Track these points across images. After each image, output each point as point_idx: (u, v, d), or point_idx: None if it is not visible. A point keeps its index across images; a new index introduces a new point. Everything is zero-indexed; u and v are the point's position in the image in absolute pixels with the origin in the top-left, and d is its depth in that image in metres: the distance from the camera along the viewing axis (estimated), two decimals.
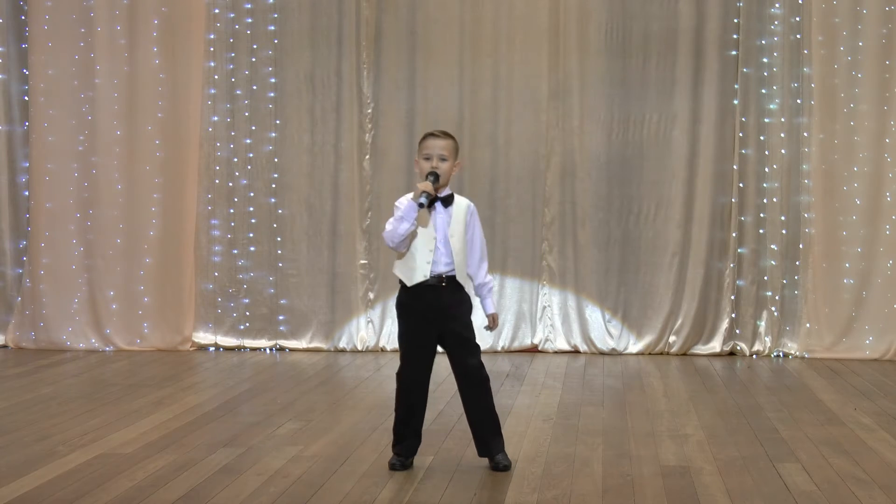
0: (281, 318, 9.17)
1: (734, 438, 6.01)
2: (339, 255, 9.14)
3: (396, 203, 5.21)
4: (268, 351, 9.13)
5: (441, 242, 5.22)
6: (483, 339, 8.77)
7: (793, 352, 8.91)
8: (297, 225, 9.17)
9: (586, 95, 8.98)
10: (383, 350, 9.09)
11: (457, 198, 5.33)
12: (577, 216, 9.03)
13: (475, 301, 5.37)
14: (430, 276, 5.21)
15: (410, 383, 5.30)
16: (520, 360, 8.71)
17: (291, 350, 9.13)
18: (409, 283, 5.22)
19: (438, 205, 5.25)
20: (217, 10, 9.11)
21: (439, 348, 5.33)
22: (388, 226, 5.18)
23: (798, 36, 8.84)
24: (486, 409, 5.31)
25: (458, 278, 5.26)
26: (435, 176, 5.17)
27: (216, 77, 9.13)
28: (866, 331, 8.81)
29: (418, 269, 5.21)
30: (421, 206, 5.11)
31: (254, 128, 9.15)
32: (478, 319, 5.34)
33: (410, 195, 5.19)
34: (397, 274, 5.29)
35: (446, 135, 5.29)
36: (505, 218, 9.08)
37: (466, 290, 5.31)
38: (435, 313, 5.22)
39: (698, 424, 6.35)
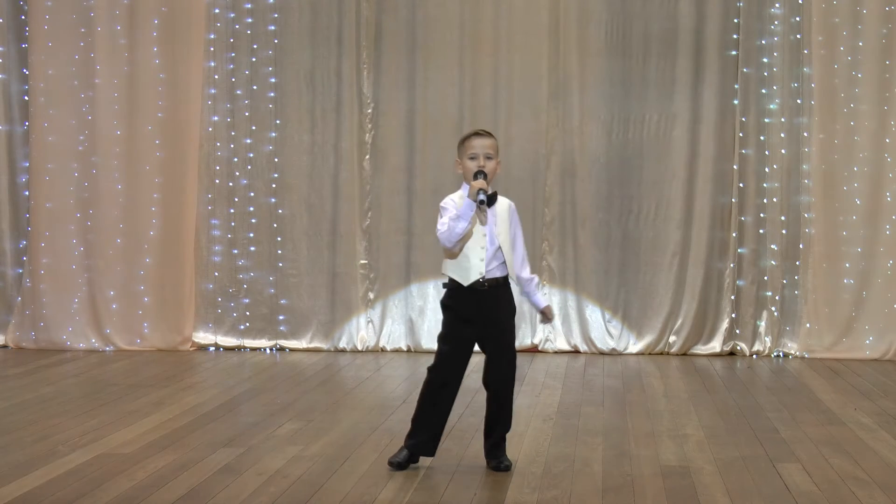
0: (281, 318, 9.17)
1: (734, 438, 6.01)
2: (339, 255, 9.14)
3: (442, 204, 5.20)
4: (268, 351, 9.13)
5: (489, 242, 5.21)
6: None
7: (793, 352, 8.91)
8: (297, 225, 9.17)
9: (586, 95, 8.98)
10: (383, 350, 9.09)
11: (499, 197, 5.31)
12: (577, 216, 9.03)
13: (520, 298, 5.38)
14: (484, 276, 5.18)
15: (442, 382, 5.27)
16: (520, 360, 8.60)
17: (291, 350, 9.13)
18: (465, 283, 5.19)
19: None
20: (217, 10, 9.11)
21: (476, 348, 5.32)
22: (442, 227, 5.13)
23: (798, 36, 8.84)
24: (507, 412, 5.35)
25: (510, 277, 5.26)
26: (483, 174, 5.15)
27: (216, 77, 9.13)
28: (866, 331, 8.81)
29: (473, 269, 5.19)
30: (481, 202, 5.09)
31: (254, 128, 9.16)
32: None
33: (456, 195, 5.19)
34: (450, 274, 5.24)
35: (489, 134, 5.28)
36: None
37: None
38: (481, 315, 5.21)
39: (698, 424, 6.35)
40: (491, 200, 5.22)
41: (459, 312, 5.23)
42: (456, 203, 5.16)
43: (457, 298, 5.24)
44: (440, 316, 5.37)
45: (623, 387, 7.61)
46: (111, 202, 9.05)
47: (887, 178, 8.78)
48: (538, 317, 5.48)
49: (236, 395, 7.21)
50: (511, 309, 5.32)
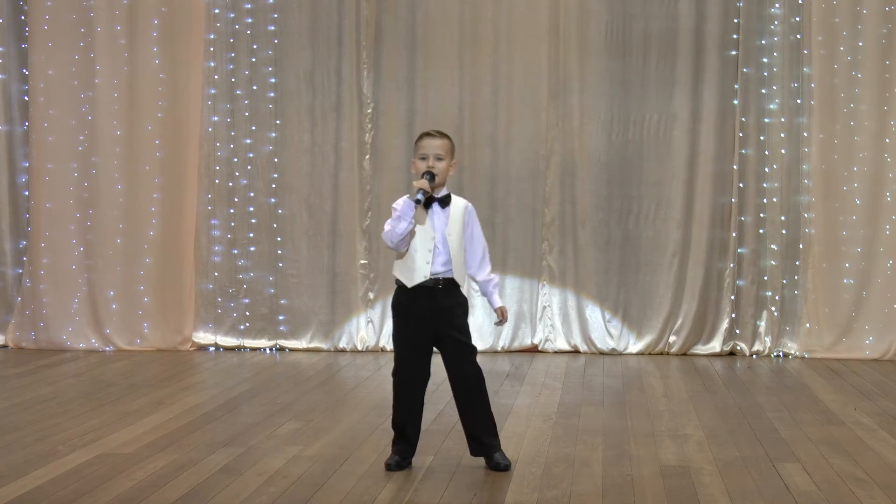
0: (281, 318, 9.17)
1: (734, 438, 6.01)
2: (339, 255, 9.14)
3: (393, 204, 5.22)
4: (268, 351, 9.13)
5: (439, 242, 5.22)
6: (483, 340, 8.86)
7: (793, 352, 8.91)
8: (297, 225, 9.17)
9: (586, 95, 8.98)
10: (383, 350, 9.09)
11: (454, 198, 5.32)
12: (577, 216, 9.03)
13: (477, 301, 5.38)
14: (429, 277, 5.20)
15: (405, 383, 5.29)
16: (520, 360, 8.71)
17: (291, 350, 9.13)
18: (409, 284, 5.22)
19: (436, 205, 5.24)
20: (217, 10, 9.11)
21: (435, 349, 5.33)
22: (387, 226, 5.18)
23: (798, 36, 8.84)
24: (481, 409, 5.30)
25: (456, 279, 5.25)
26: (431, 175, 5.16)
27: (216, 77, 9.13)
28: (866, 331, 8.81)
29: (418, 270, 5.21)
30: (417, 202, 5.10)
31: (254, 128, 9.16)
32: (476, 320, 5.34)
33: (407, 196, 5.19)
34: (396, 275, 5.28)
35: (442, 134, 5.29)
36: (505, 218, 9.08)
37: (463, 291, 5.31)
38: (430, 314, 5.22)
39: (698, 424, 6.35)
40: (443, 202, 5.23)
41: (410, 311, 5.24)
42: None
43: (404, 298, 5.25)
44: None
45: (623, 387, 7.61)
46: (111, 202, 9.05)
47: (887, 178, 8.78)
48: (494, 316, 5.45)
49: (236, 395, 7.21)
50: (461, 308, 5.28)
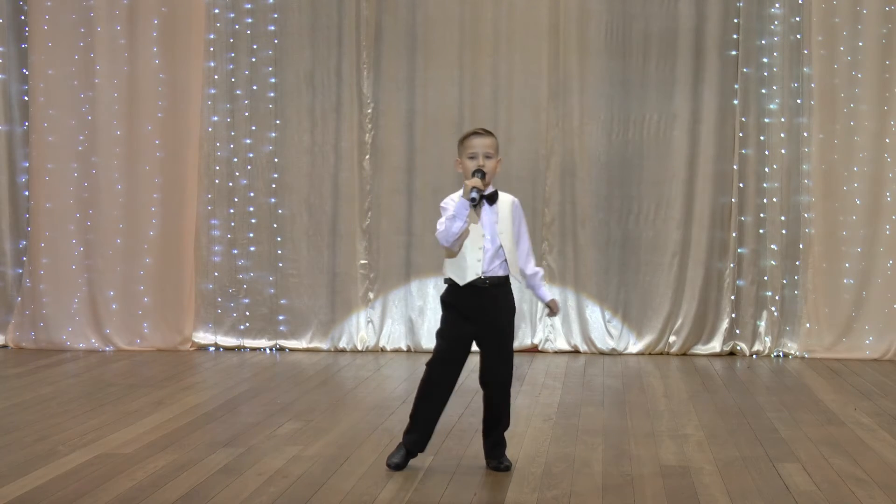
0: (281, 318, 9.17)
1: (734, 438, 6.01)
2: (339, 255, 9.14)
3: (442, 204, 5.20)
4: (268, 351, 9.13)
5: (488, 241, 5.21)
6: None
7: (793, 352, 8.91)
8: (297, 225, 9.17)
9: (586, 95, 8.98)
10: (383, 350, 9.09)
11: (501, 194, 5.31)
12: (577, 216, 9.03)
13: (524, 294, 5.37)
14: (481, 275, 5.19)
15: (439, 378, 5.28)
16: (520, 360, 8.66)
17: (291, 350, 9.13)
18: (461, 283, 5.19)
19: (485, 202, 5.22)
20: (217, 10, 9.11)
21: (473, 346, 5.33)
22: (440, 226, 5.15)
23: (798, 36, 8.84)
24: (506, 410, 5.35)
25: (511, 275, 5.26)
26: (482, 173, 5.15)
27: (216, 77, 9.13)
28: (866, 331, 8.81)
29: (470, 268, 5.19)
30: (473, 201, 5.09)
31: (254, 128, 9.16)
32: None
33: (457, 194, 5.18)
34: (448, 274, 5.25)
35: (489, 132, 5.28)
36: None
37: (515, 282, 5.32)
38: (479, 313, 5.22)
39: (698, 424, 6.35)
40: (491, 199, 5.23)
41: (458, 309, 5.24)
42: (455, 202, 5.17)
43: (455, 296, 5.25)
44: (440, 315, 5.37)
45: (623, 387, 7.61)
46: (111, 202, 9.06)
47: (887, 178, 8.78)
48: (545, 310, 5.48)
49: (236, 395, 7.21)
50: (510, 309, 5.32)
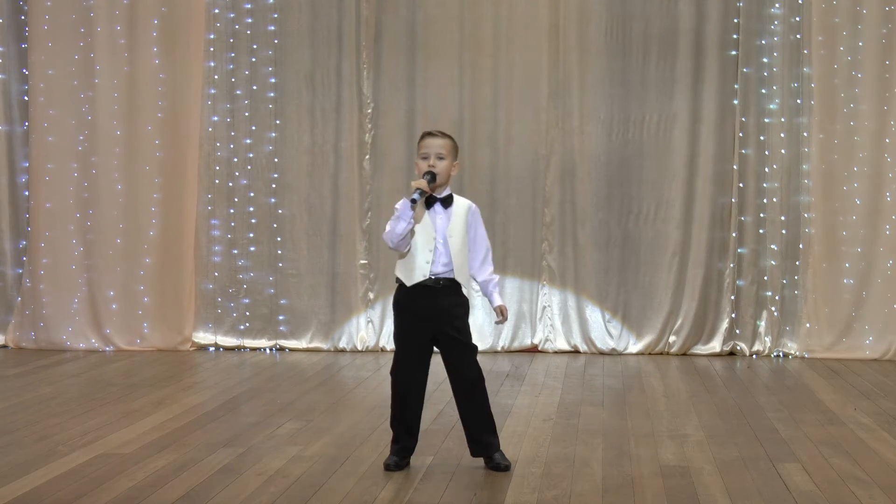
0: (281, 318, 9.17)
1: (734, 438, 6.01)
2: (339, 255, 9.14)
3: (396, 205, 5.21)
4: (268, 351, 9.13)
5: (440, 243, 5.22)
6: (483, 340, 8.86)
7: (793, 352, 8.91)
8: (297, 225, 9.17)
9: (586, 95, 8.98)
10: (383, 350, 9.09)
11: (457, 198, 5.32)
12: (577, 216, 9.03)
13: (477, 301, 5.36)
14: (429, 277, 5.20)
15: (404, 382, 5.28)
16: (520, 360, 8.71)
17: (291, 350, 9.13)
18: (408, 283, 5.21)
19: (438, 205, 5.23)
20: (217, 10, 9.11)
21: (435, 348, 5.33)
22: (388, 226, 5.17)
23: (798, 36, 8.84)
24: (480, 409, 5.29)
25: (457, 279, 5.24)
26: (431, 175, 5.15)
27: (216, 77, 9.13)
28: (866, 331, 8.81)
29: (417, 269, 5.20)
30: (413, 202, 5.08)
31: (254, 128, 9.16)
32: (476, 320, 5.33)
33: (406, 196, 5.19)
34: (397, 274, 5.28)
35: (444, 134, 5.28)
36: (505, 218, 9.08)
37: (465, 291, 5.31)
38: (430, 314, 5.21)
39: (698, 424, 6.35)
40: (445, 202, 5.22)
41: (409, 310, 5.23)
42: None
43: (404, 297, 5.25)
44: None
45: (623, 387, 7.61)
46: (111, 202, 9.05)
47: (887, 178, 8.78)
48: (495, 316, 5.43)
49: (236, 395, 7.21)
50: (461, 308, 5.26)
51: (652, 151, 8.98)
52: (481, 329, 8.88)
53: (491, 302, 5.38)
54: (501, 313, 5.35)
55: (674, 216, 8.97)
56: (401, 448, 5.32)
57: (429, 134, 5.27)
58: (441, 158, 5.20)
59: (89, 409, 6.67)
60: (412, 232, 5.17)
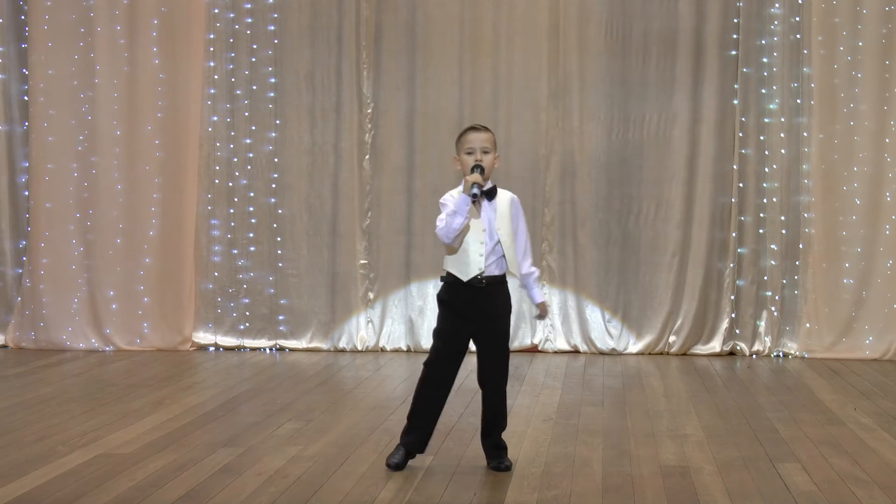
0: (281, 318, 9.17)
1: (734, 438, 6.01)
2: (339, 255, 9.14)
3: (442, 200, 5.19)
4: (268, 351, 9.13)
5: (488, 236, 5.20)
6: None
7: (793, 352, 8.91)
8: (297, 225, 9.17)
9: (586, 95, 8.98)
10: (383, 350, 9.09)
11: (500, 190, 5.31)
12: (577, 216, 9.03)
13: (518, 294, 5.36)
14: (484, 270, 5.17)
15: (436, 377, 5.27)
16: (520, 360, 8.70)
17: (291, 350, 9.13)
18: (464, 279, 5.18)
19: (484, 198, 5.22)
20: (217, 10, 9.11)
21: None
22: (440, 222, 5.13)
23: (798, 36, 8.84)
24: (499, 408, 5.33)
25: (509, 270, 5.25)
26: (480, 169, 5.14)
27: (216, 77, 9.13)
28: (866, 331, 8.81)
29: (472, 264, 5.18)
30: (474, 196, 5.07)
31: (254, 128, 9.16)
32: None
33: (455, 191, 5.18)
34: (450, 270, 5.24)
35: (486, 128, 5.29)
36: None
37: (516, 281, 5.32)
38: (476, 313, 5.21)
39: (698, 424, 6.35)
40: (490, 195, 5.22)
41: (455, 308, 5.24)
42: (454, 198, 5.16)
43: (453, 293, 5.24)
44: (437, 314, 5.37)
45: (623, 387, 7.61)
46: (111, 202, 9.06)
47: (887, 178, 8.78)
48: (534, 310, 5.46)
49: (236, 395, 7.21)
50: (507, 307, 5.32)
51: (652, 151, 8.98)
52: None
53: (532, 297, 5.38)
54: (544, 310, 5.38)
55: (674, 216, 8.97)
56: (411, 440, 5.30)
57: (472, 129, 5.27)
58: (486, 152, 5.20)
59: (89, 409, 6.67)
60: (467, 226, 5.15)
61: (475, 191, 5.07)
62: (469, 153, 5.20)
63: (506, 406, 5.38)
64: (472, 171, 5.13)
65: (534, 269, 5.37)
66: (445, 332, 5.28)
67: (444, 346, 5.27)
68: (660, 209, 8.99)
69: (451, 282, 5.24)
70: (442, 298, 5.29)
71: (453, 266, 5.24)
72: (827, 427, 6.30)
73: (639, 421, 6.45)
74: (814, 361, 8.71)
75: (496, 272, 5.23)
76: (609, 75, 8.97)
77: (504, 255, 5.23)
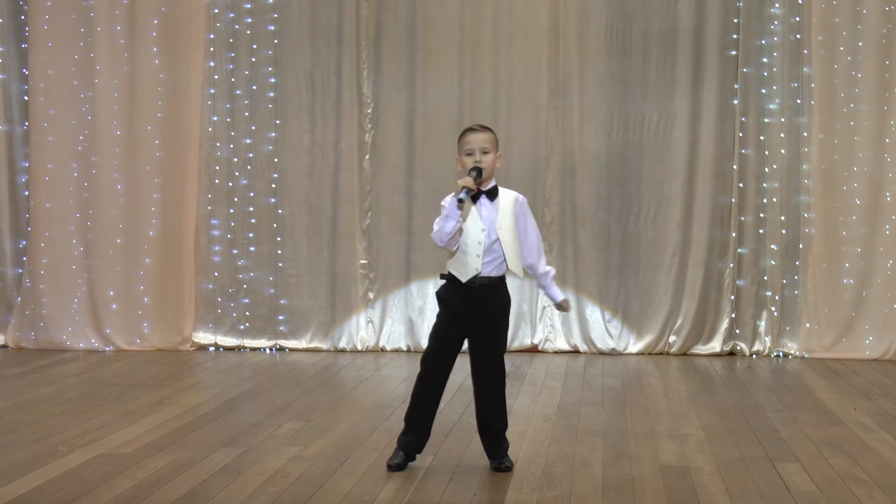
0: (281, 318, 9.17)
1: (734, 438, 6.01)
2: (339, 255, 9.14)
3: (442, 202, 5.19)
4: (268, 351, 9.13)
5: (486, 236, 5.20)
6: None
7: (793, 352, 8.91)
8: (297, 225, 9.17)
9: (586, 95, 8.98)
10: (383, 350, 9.09)
11: (503, 190, 5.29)
12: (577, 216, 9.03)
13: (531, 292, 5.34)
14: (482, 270, 5.17)
15: (430, 373, 5.28)
16: (520, 360, 8.70)
17: (291, 350, 9.13)
18: (463, 279, 5.18)
19: (483, 198, 5.20)
20: (217, 10, 9.11)
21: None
22: (435, 225, 5.14)
23: (798, 36, 8.84)
24: (497, 407, 5.30)
25: (512, 270, 5.24)
26: (478, 171, 5.12)
27: (216, 77, 9.13)
28: (866, 331, 8.81)
29: (471, 265, 5.18)
30: (461, 201, 5.06)
31: (254, 128, 9.16)
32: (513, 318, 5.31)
33: (453, 194, 5.18)
34: (451, 270, 5.24)
35: (485, 128, 5.27)
36: None
37: (519, 284, 5.30)
38: (470, 313, 5.21)
39: (698, 424, 6.35)
40: (491, 195, 5.21)
41: (451, 307, 5.24)
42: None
43: (451, 293, 5.25)
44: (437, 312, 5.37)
45: (623, 387, 7.61)
46: (111, 202, 9.06)
47: (887, 178, 8.78)
48: (550, 306, 5.46)
49: (236, 395, 7.21)
50: (504, 309, 5.30)
51: (652, 151, 8.98)
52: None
53: (552, 297, 5.36)
54: (564, 307, 5.36)
55: (674, 216, 8.97)
56: (410, 440, 5.31)
57: (471, 130, 5.26)
58: (486, 153, 5.18)
59: (89, 409, 6.67)
60: (460, 229, 5.16)
61: (462, 195, 5.05)
62: (469, 154, 5.20)
63: (505, 406, 5.37)
64: (470, 173, 5.13)
65: (549, 268, 5.36)
66: (441, 332, 5.29)
67: (438, 344, 5.28)
68: (660, 209, 8.99)
69: (449, 281, 5.25)
70: (440, 296, 5.30)
71: (453, 266, 5.24)
72: (827, 427, 6.30)
73: (639, 421, 6.45)
74: (814, 361, 8.71)
75: (494, 274, 5.22)
76: (609, 75, 8.97)
77: (504, 256, 5.23)
